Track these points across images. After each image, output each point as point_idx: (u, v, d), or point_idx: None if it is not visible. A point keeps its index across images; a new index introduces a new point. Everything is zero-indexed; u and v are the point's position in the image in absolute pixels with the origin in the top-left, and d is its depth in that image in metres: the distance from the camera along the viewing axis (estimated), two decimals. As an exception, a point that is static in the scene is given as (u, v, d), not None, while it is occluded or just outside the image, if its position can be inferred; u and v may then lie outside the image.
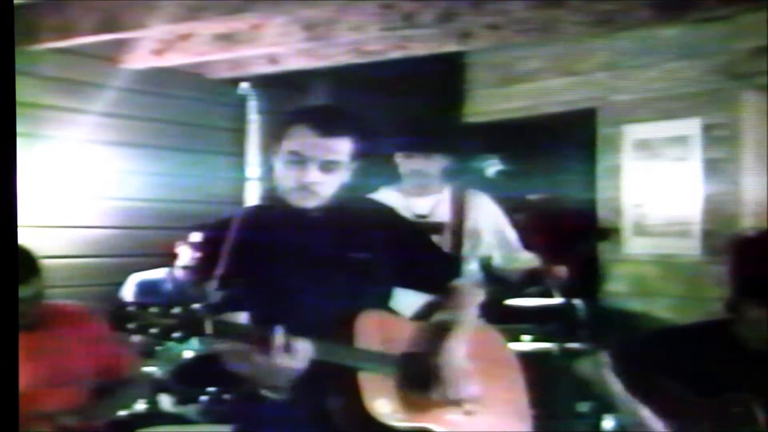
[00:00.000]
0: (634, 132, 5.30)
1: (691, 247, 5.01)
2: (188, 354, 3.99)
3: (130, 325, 1.94)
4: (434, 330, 2.32)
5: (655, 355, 2.90)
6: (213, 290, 2.17)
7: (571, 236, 4.50)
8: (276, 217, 2.36)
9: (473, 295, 2.54)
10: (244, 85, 5.69)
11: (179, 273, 4.62)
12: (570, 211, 5.48)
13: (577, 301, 4.14)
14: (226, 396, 3.64)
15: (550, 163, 5.61)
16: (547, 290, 4.04)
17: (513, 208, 3.98)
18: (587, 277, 4.99)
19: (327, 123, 2.31)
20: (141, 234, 5.08)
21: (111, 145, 4.93)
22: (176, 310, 1.96)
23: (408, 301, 2.50)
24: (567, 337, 4.08)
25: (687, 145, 5.05)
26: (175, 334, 1.95)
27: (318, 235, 2.34)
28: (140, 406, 3.67)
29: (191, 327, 1.97)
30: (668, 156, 5.15)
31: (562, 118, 5.64)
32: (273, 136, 2.40)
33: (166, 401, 3.82)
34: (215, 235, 2.33)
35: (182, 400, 3.79)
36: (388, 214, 2.54)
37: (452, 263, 2.84)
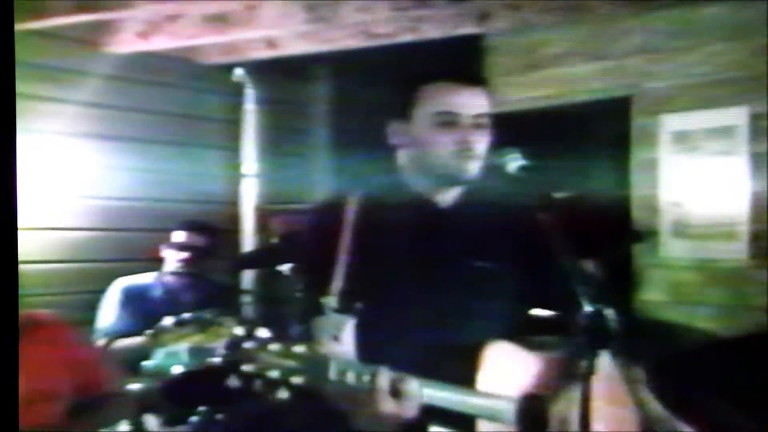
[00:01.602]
0: (673, 123, 5.27)
1: (736, 251, 4.97)
2: (177, 369, 3.97)
3: (247, 368, 1.79)
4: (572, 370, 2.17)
5: (698, 371, 2.88)
6: (331, 310, 2.07)
7: (602, 238, 4.47)
8: (397, 211, 2.29)
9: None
10: (239, 72, 5.70)
11: (169, 278, 4.62)
12: (601, 210, 5.45)
13: (608, 311, 4.11)
14: (219, 416, 3.63)
15: (579, 158, 5.59)
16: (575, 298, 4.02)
17: (538, 208, 3.95)
18: (620, 283, 4.95)
19: (466, 73, 2.30)
20: (126, 236, 5.07)
21: (92, 138, 4.93)
22: (300, 348, 1.82)
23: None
24: (597, 350, 4.05)
25: (732, 137, 5.01)
26: (295, 380, 1.80)
27: (444, 234, 2.29)
28: (123, 427, 3.65)
29: (315, 370, 1.83)
30: (710, 149, 5.11)
31: (591, 108, 5.61)
32: (396, 105, 2.34)
33: (152, 422, 3.81)
34: (322, 229, 2.28)
35: (170, 421, 3.78)
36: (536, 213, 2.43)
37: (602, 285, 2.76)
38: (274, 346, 1.81)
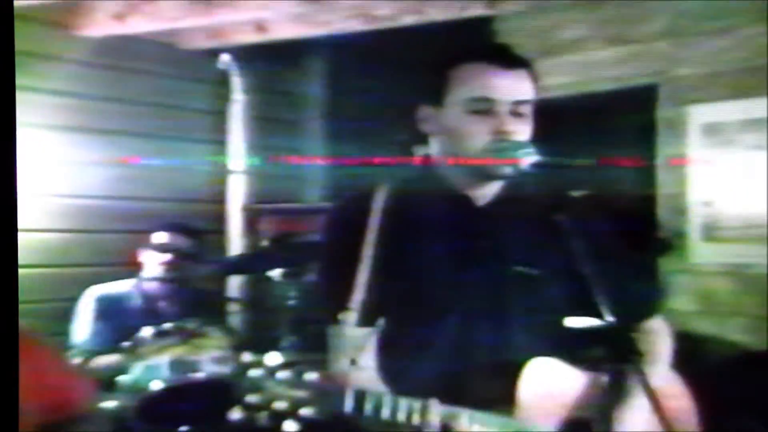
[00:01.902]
0: (702, 114, 5.25)
1: (772, 256, 4.97)
2: (157, 384, 3.96)
3: (252, 399, 1.76)
4: (611, 392, 2.14)
5: (730, 387, 2.86)
6: (351, 327, 2.03)
7: (624, 242, 4.45)
8: (429, 208, 2.25)
9: (665, 341, 2.42)
10: (225, 58, 5.69)
11: (149, 285, 4.61)
12: (623, 210, 5.44)
13: (632, 321, 4.10)
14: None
15: (599, 153, 5.57)
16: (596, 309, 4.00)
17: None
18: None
19: (505, 54, 2.24)
20: (100, 238, 5.06)
21: (63, 130, 4.91)
22: (312, 375, 1.79)
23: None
24: (619, 364, 4.03)
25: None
26: (305, 411, 1.77)
27: (482, 236, 2.24)
28: (97, 449, 3.65)
29: (328, 400, 1.80)
30: (744, 143, 5.09)
31: (612, 98, 5.59)
32: (426, 89, 2.29)
33: (129, 443, 3.80)
34: (343, 228, 2.24)
35: (149, 442, 3.78)
36: (588, 214, 2.35)
37: (660, 294, 2.73)
38: (282, 374, 1.78)
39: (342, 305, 2.06)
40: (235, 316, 5.53)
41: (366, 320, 2.05)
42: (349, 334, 2.03)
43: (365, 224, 2.16)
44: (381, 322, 2.07)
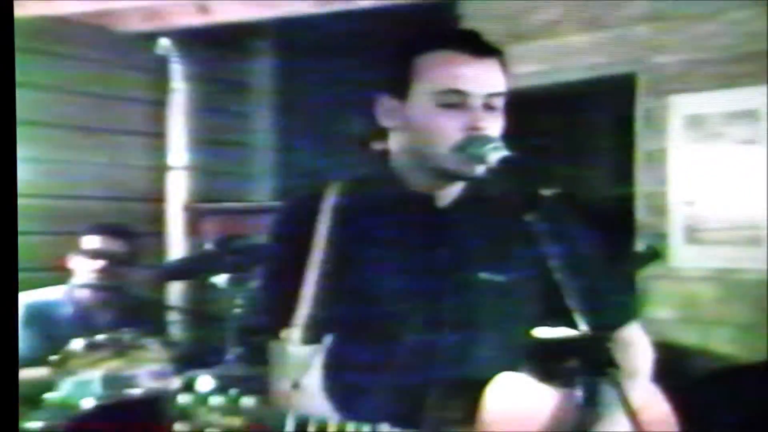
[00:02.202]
0: (685, 105, 5.28)
1: (759, 259, 4.98)
2: (88, 402, 3.92)
3: (181, 427, 1.80)
4: (585, 408, 2.09)
5: (714, 402, 2.87)
6: (294, 345, 2.01)
7: (600, 245, 4.47)
8: (385, 211, 2.23)
9: (644, 353, 2.41)
10: (164, 43, 5.66)
11: (81, 293, 4.56)
12: (599, 211, 5.46)
13: (607, 330, 4.11)
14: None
15: (572, 147, 5.59)
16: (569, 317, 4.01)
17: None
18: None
19: (475, 41, 2.20)
20: (27, 241, 5.00)
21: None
22: (249, 400, 1.80)
23: None
24: (594, 377, 4.04)
25: (756, 122, 5.02)
26: None
27: (443, 240, 2.22)
28: (21, 474, 3.61)
29: (266, 430, 1.81)
30: (730, 137, 5.12)
31: (588, 87, 5.62)
32: (388, 78, 2.26)
33: (56, 467, 3.77)
34: (287, 234, 2.22)
35: (78, 466, 3.74)
36: (560, 215, 2.30)
37: (634, 300, 2.71)
38: (215, 400, 1.79)
39: (285, 321, 2.05)
40: (176, 326, 5.49)
41: (311, 337, 2.03)
42: (293, 352, 2.02)
43: (313, 229, 2.14)
44: (328, 338, 2.05)
